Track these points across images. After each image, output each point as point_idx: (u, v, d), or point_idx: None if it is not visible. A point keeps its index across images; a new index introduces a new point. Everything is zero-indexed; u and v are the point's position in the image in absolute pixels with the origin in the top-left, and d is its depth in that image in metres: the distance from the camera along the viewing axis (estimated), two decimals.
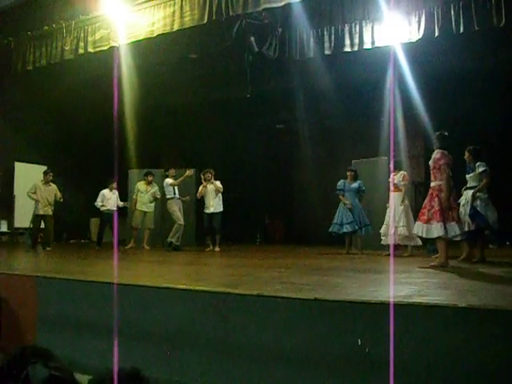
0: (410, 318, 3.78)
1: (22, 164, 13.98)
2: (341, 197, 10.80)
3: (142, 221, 13.08)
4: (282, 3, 9.31)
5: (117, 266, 7.68)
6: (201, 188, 11.88)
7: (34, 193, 11.80)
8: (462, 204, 8.22)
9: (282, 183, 17.06)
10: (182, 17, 10.03)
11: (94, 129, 13.92)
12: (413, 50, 10.34)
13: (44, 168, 12.95)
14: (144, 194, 13.10)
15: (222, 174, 12.52)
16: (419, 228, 7.24)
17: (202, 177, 11.91)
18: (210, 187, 11.75)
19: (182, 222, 11.94)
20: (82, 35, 11.22)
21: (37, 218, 11.93)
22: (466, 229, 7.82)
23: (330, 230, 10.92)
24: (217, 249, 11.64)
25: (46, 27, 11.63)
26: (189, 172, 11.99)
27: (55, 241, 14.18)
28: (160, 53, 11.97)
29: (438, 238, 7.08)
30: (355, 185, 10.75)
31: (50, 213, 11.97)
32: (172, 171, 12.20)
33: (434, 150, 7.41)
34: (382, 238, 9.94)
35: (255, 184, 16.45)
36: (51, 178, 12.01)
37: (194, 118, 15.55)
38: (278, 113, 15.78)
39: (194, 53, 12.15)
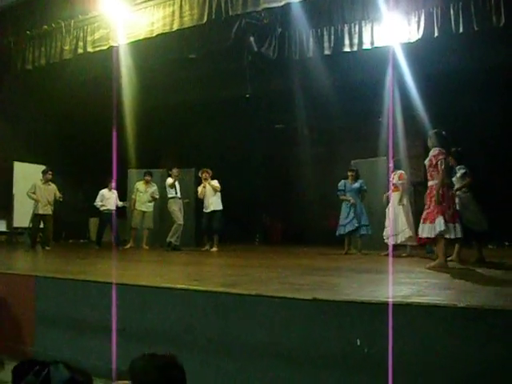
0: (409, 318, 3.77)
1: (21, 163, 13.96)
2: (342, 197, 10.78)
3: (141, 221, 13.06)
4: (282, 3, 9.31)
5: (116, 266, 7.68)
6: (200, 189, 11.87)
7: (34, 192, 11.81)
8: None
9: (280, 183, 17.05)
10: (181, 16, 10.02)
11: (94, 128, 13.91)
12: (412, 50, 10.34)
13: (43, 167, 12.95)
14: (143, 193, 13.09)
15: (221, 174, 12.50)
16: (424, 229, 7.22)
17: (201, 176, 11.91)
18: (208, 187, 11.74)
19: (181, 221, 11.92)
20: (82, 35, 11.21)
21: (36, 217, 11.93)
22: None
23: (337, 233, 10.87)
24: (214, 249, 11.60)
25: (45, 27, 11.62)
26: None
27: (54, 240, 14.16)
28: (159, 52, 11.96)
29: (439, 237, 7.05)
30: (356, 185, 10.74)
31: (50, 212, 11.98)
32: (175, 171, 12.17)
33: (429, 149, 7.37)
34: (385, 240, 9.91)
35: (254, 184, 16.44)
36: (51, 177, 12.01)
37: (194, 118, 15.55)
38: (277, 113, 15.79)
39: (194, 53, 12.13)
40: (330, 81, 12.37)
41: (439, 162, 7.00)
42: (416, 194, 10.30)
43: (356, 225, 10.58)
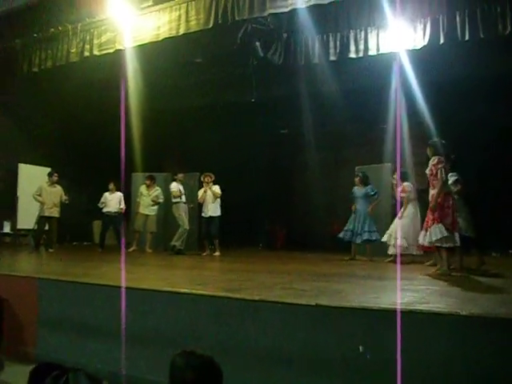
0: (411, 325, 3.77)
1: (26, 165, 13.99)
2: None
3: (144, 224, 13.07)
4: (288, 8, 9.32)
5: (119, 269, 7.68)
6: (201, 193, 11.85)
7: (40, 195, 11.86)
8: None
9: (284, 188, 17.03)
10: (187, 21, 10.04)
11: (98, 131, 13.93)
12: (418, 56, 10.33)
13: (47, 169, 12.98)
14: (146, 197, 13.10)
15: (225, 179, 12.49)
16: (423, 236, 7.28)
17: (203, 180, 11.91)
18: (209, 192, 11.74)
19: (187, 226, 11.92)
20: (88, 38, 11.24)
21: (42, 219, 11.98)
22: None
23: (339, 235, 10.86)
24: (217, 253, 11.59)
25: (52, 30, 11.66)
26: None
27: (58, 243, 14.19)
28: (165, 57, 11.99)
29: (440, 245, 7.08)
30: (363, 190, 10.69)
31: (56, 215, 12.06)
32: (180, 175, 12.19)
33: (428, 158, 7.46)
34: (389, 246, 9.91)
35: (258, 189, 16.42)
36: (56, 179, 12.08)
37: (199, 122, 15.55)
38: (281, 118, 15.77)
39: (199, 57, 12.16)
40: (335, 87, 12.35)
41: (439, 171, 7.11)
42: (421, 201, 10.24)
43: (348, 235, 10.53)
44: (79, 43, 11.35)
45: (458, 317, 3.71)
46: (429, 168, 7.31)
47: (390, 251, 9.77)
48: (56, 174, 12.11)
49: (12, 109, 13.73)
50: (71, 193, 12.84)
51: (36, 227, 12.26)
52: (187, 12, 10.03)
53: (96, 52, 11.14)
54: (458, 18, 8.98)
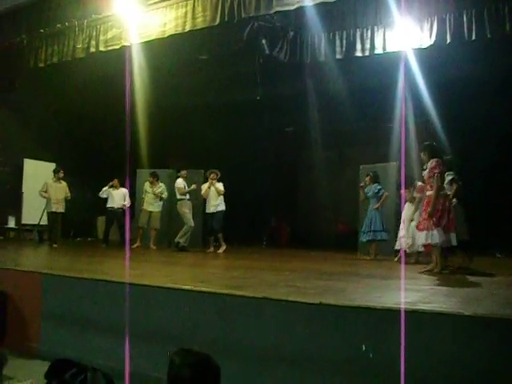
0: (414, 325, 3.76)
1: (31, 161, 14.04)
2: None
3: (148, 220, 13.08)
4: (295, 6, 9.30)
5: (123, 265, 7.70)
6: (205, 188, 11.86)
7: (46, 191, 11.91)
8: None
9: (289, 186, 17.04)
10: (194, 18, 10.03)
11: (103, 127, 13.97)
12: (424, 56, 10.31)
13: (52, 165, 13.02)
14: (150, 194, 13.11)
15: (230, 176, 12.51)
16: (420, 236, 7.42)
17: (208, 176, 11.92)
18: (212, 188, 11.75)
19: (192, 223, 11.92)
20: (94, 34, 11.24)
21: (50, 215, 12.10)
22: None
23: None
24: (221, 250, 11.58)
25: (58, 25, 11.66)
26: (194, 186, 12.11)
27: (62, 238, 14.24)
28: (171, 53, 11.99)
29: (434, 245, 7.19)
30: (372, 189, 10.64)
31: (62, 210, 12.14)
32: (184, 172, 12.20)
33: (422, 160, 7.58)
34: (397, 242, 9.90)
35: (262, 186, 16.43)
36: (62, 175, 12.13)
37: (204, 119, 15.55)
38: (287, 116, 15.77)
39: (205, 54, 12.15)
40: (341, 85, 12.35)
41: (435, 176, 7.19)
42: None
43: (364, 231, 10.52)
44: (85, 39, 11.35)
45: (461, 317, 3.70)
46: (427, 170, 7.37)
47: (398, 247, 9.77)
48: (62, 171, 12.15)
49: (18, 105, 13.77)
50: (76, 188, 12.88)
51: (47, 223, 12.40)
52: (194, 9, 10.02)
53: (102, 48, 11.15)
54: (465, 18, 8.95)
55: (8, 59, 12.67)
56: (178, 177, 12.25)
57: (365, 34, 10.16)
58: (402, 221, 9.87)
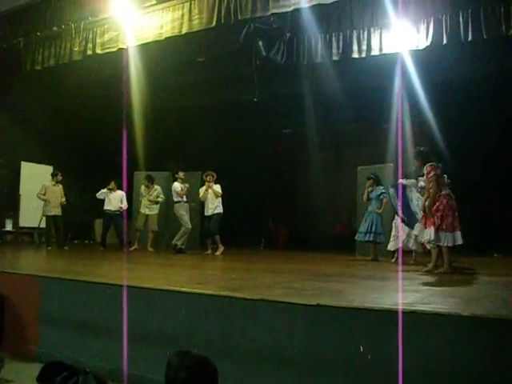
0: (413, 325, 3.76)
1: (28, 163, 14.02)
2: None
3: (145, 223, 13.07)
4: (291, 8, 9.32)
5: (120, 268, 7.70)
6: (203, 192, 11.85)
7: (44, 194, 11.91)
8: None
9: (287, 187, 17.05)
10: (190, 20, 10.04)
11: (101, 130, 13.95)
12: (421, 57, 10.33)
13: (50, 168, 13.00)
14: (146, 197, 13.11)
15: (228, 178, 12.50)
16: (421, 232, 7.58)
17: (205, 178, 11.91)
18: (210, 191, 11.74)
19: (189, 225, 11.93)
20: (91, 37, 11.25)
21: (49, 218, 12.13)
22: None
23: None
24: (218, 252, 11.55)
25: (55, 28, 11.66)
26: (186, 185, 12.15)
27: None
28: (168, 56, 12.00)
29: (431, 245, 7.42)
30: (375, 192, 10.62)
31: (60, 213, 12.12)
32: (181, 174, 12.19)
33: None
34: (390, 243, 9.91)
35: (260, 188, 16.43)
36: (60, 178, 12.15)
37: (201, 121, 15.57)
38: (284, 117, 15.78)
39: (202, 56, 12.16)
40: (337, 86, 12.34)
41: (431, 179, 7.35)
42: None
43: (364, 231, 10.50)
44: (82, 42, 11.36)
45: (459, 317, 3.70)
46: (425, 174, 7.55)
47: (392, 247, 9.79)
48: (60, 174, 12.16)
49: (15, 107, 13.76)
50: (73, 191, 12.89)
51: (45, 227, 12.36)
52: (190, 11, 10.03)
53: (99, 51, 11.15)
54: (461, 19, 8.96)
55: (5, 62, 12.66)
56: (176, 179, 12.24)
57: (361, 36, 10.16)
58: (394, 221, 9.86)
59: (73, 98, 13.83)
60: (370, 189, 10.62)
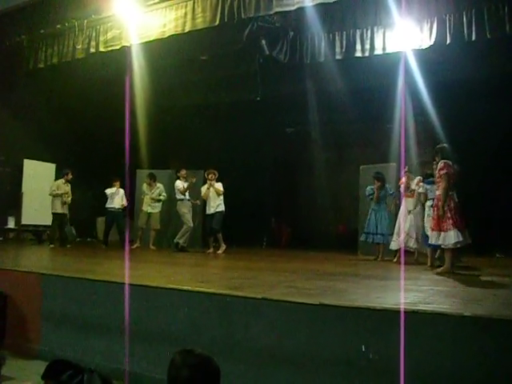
0: (415, 325, 3.76)
1: (31, 161, 14.01)
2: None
3: (147, 221, 13.09)
4: (295, 7, 9.31)
5: (122, 266, 7.70)
6: (204, 190, 11.83)
7: (56, 190, 12.07)
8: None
9: (289, 187, 17.03)
10: (193, 18, 10.03)
11: (103, 128, 13.95)
12: (424, 56, 10.31)
13: (52, 165, 13.02)
14: (148, 195, 13.13)
15: (230, 176, 12.51)
16: (432, 237, 7.50)
17: (206, 176, 11.90)
18: (212, 189, 11.73)
19: (191, 224, 11.93)
20: (94, 34, 11.25)
21: (56, 216, 12.24)
22: None
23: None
24: (220, 250, 11.54)
25: (58, 26, 11.68)
26: (192, 179, 12.08)
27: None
28: (171, 54, 12.00)
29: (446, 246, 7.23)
30: (383, 191, 10.58)
31: (67, 212, 12.35)
32: (183, 172, 12.20)
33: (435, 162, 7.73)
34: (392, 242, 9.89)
35: (263, 187, 16.43)
36: (71, 177, 12.41)
37: (203, 120, 15.57)
38: (287, 116, 15.76)
39: (205, 54, 12.17)
40: (340, 85, 12.33)
41: (442, 177, 7.30)
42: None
43: (372, 232, 10.45)
44: (85, 40, 11.37)
45: (461, 318, 3.70)
46: (437, 171, 7.53)
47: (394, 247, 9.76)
48: (71, 173, 12.41)
49: (17, 105, 13.75)
50: (76, 189, 12.87)
51: (53, 224, 12.51)
52: (193, 9, 10.03)
53: (102, 49, 11.16)
54: (464, 18, 8.95)
55: (8, 60, 12.67)
56: (178, 177, 12.24)
57: (364, 35, 10.15)
58: (398, 220, 9.85)
59: (75, 96, 13.82)
60: (381, 192, 10.53)
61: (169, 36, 10.43)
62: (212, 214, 11.74)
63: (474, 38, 8.90)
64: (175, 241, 11.83)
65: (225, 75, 13.42)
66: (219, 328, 4.65)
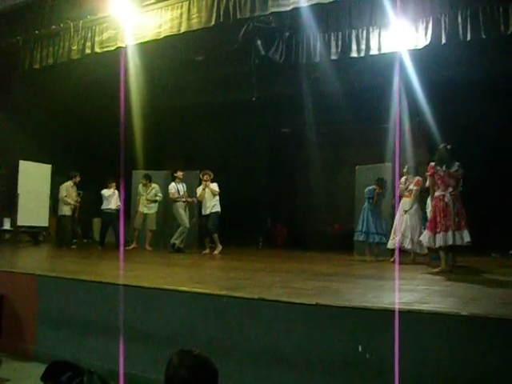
0: (411, 325, 3.77)
1: (26, 162, 13.97)
2: None
3: (143, 222, 13.08)
4: (290, 7, 9.30)
5: (118, 267, 7.69)
6: (200, 191, 11.81)
7: (66, 196, 12.28)
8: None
9: (285, 187, 17.03)
10: (189, 19, 10.02)
11: (99, 129, 13.93)
12: (420, 56, 10.32)
13: (48, 166, 13.00)
14: (144, 196, 13.12)
15: (226, 177, 12.49)
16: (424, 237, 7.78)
17: (201, 177, 11.89)
18: (207, 190, 11.71)
19: (187, 224, 11.92)
20: (90, 35, 11.23)
21: (67, 218, 12.48)
22: None
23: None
24: (216, 251, 11.52)
25: (53, 27, 11.64)
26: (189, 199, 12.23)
27: (57, 240, 14.21)
28: (166, 55, 11.98)
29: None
30: (381, 198, 10.61)
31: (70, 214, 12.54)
32: (179, 174, 12.19)
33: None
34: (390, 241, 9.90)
35: (259, 187, 16.43)
36: (79, 179, 12.60)
37: (199, 120, 15.55)
38: (283, 116, 15.75)
39: (201, 55, 12.15)
40: (336, 85, 12.33)
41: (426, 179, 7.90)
42: (421, 200, 10.23)
43: (371, 231, 10.45)
44: (80, 40, 11.33)
45: (458, 317, 3.71)
46: None
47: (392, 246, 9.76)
48: (78, 175, 12.60)
49: (13, 106, 13.72)
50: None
51: (60, 226, 12.77)
52: (189, 10, 10.02)
53: (97, 49, 11.13)
54: (459, 18, 8.95)
55: (3, 60, 12.64)
56: (175, 178, 12.23)
57: (360, 35, 10.14)
58: (395, 220, 9.87)
59: (71, 97, 13.79)
60: (380, 197, 10.57)
61: (164, 37, 10.41)
62: (208, 215, 11.73)
63: (469, 38, 8.90)
64: (171, 242, 11.82)
65: (220, 75, 13.41)
66: (216, 328, 4.65)
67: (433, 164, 7.67)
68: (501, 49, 10.25)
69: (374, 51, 10.04)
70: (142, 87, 12.76)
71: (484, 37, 8.79)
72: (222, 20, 9.71)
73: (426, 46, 9.36)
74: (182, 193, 12.09)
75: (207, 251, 11.68)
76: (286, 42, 11.14)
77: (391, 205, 10.88)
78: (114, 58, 11.20)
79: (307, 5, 9.28)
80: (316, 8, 9.72)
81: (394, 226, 9.85)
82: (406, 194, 9.75)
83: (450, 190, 7.59)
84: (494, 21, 8.65)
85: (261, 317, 4.46)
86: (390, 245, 9.84)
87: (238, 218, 14.67)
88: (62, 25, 11.52)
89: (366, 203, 10.61)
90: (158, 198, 13.12)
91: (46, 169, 13.80)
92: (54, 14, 11.68)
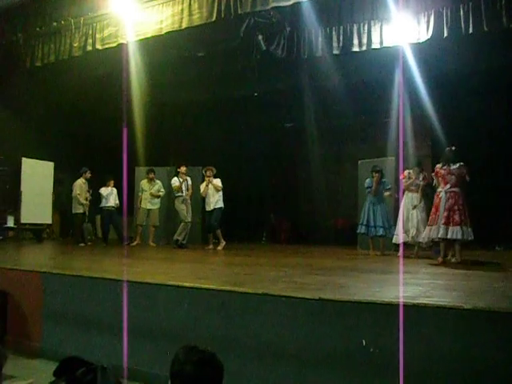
0: (415, 319, 3.77)
1: (29, 160, 13.99)
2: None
3: (147, 218, 13.10)
4: (291, 2, 9.28)
5: (122, 263, 7.70)
6: (203, 187, 11.81)
7: (79, 194, 12.34)
8: None
9: (288, 182, 17.02)
10: (190, 15, 10.01)
11: (101, 125, 13.94)
12: (421, 50, 10.29)
13: (50, 164, 13.00)
14: (147, 191, 13.13)
15: (229, 172, 12.50)
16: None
17: (204, 173, 11.89)
18: (210, 185, 11.71)
19: (188, 220, 11.93)
20: (91, 32, 11.22)
21: (80, 216, 12.50)
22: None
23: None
24: (219, 247, 11.54)
25: (54, 24, 11.64)
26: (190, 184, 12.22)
27: (61, 237, 14.26)
28: (168, 51, 11.96)
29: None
30: (381, 185, 10.60)
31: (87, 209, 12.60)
32: (182, 168, 12.18)
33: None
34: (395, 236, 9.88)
35: (262, 183, 16.42)
36: (90, 175, 12.61)
37: (201, 116, 15.55)
38: (285, 112, 15.74)
39: (202, 51, 12.13)
40: (338, 80, 12.32)
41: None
42: (424, 195, 10.22)
43: (373, 225, 10.42)
44: (82, 37, 11.33)
45: (461, 310, 3.71)
46: None
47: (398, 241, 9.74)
48: (89, 171, 12.63)
49: (15, 103, 13.73)
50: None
51: (76, 224, 12.74)
52: (190, 6, 10.00)
53: (98, 46, 11.13)
54: (461, 11, 8.91)
55: (5, 58, 12.64)
56: (178, 173, 12.23)
57: (362, 29, 10.11)
58: (400, 213, 9.85)
59: (73, 94, 13.79)
60: (379, 185, 10.53)
61: (166, 33, 10.39)
62: (211, 211, 11.73)
63: (471, 31, 8.87)
64: (174, 238, 11.82)
65: (222, 71, 13.38)
66: (220, 324, 4.66)
67: (438, 166, 8.17)
68: (503, 41, 10.21)
69: (375, 45, 10.00)
70: (144, 83, 12.76)
71: (486, 29, 8.76)
72: (223, 15, 9.69)
73: (428, 39, 9.33)
74: (184, 188, 12.08)
75: (211, 247, 11.70)
76: (287, 37, 11.10)
77: (395, 199, 10.86)
78: (116, 54, 11.20)
79: None
80: (317, 2, 9.72)
81: (398, 220, 9.84)
82: (412, 188, 9.73)
83: (448, 186, 7.94)
84: (495, 13, 8.61)
85: (264, 312, 4.47)
86: (395, 240, 9.82)
87: (242, 213, 14.67)
88: (63, 22, 11.51)
89: (367, 196, 10.63)
90: (161, 194, 13.16)
91: (48, 166, 13.81)
92: (55, 11, 11.67)
